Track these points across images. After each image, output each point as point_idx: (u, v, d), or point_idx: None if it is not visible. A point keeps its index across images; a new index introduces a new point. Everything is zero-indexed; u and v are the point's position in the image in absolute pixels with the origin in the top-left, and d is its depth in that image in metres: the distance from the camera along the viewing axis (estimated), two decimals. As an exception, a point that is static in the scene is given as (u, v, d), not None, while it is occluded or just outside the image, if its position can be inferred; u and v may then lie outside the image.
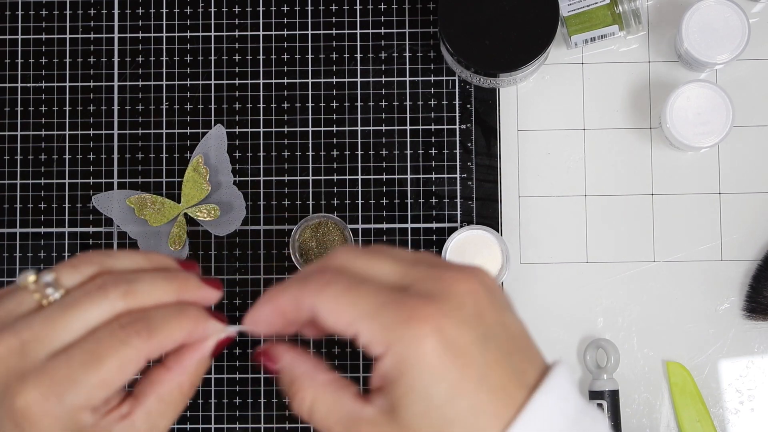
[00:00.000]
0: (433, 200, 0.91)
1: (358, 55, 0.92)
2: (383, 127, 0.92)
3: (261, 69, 0.92)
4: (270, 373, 0.54)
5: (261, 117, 0.92)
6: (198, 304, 0.55)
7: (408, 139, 0.91)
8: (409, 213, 0.91)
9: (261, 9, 0.93)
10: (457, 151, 0.91)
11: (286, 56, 0.92)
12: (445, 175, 0.91)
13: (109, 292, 0.52)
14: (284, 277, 0.90)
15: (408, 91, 0.92)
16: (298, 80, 0.92)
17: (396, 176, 0.91)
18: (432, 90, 0.92)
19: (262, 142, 0.92)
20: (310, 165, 0.92)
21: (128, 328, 0.52)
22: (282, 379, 0.53)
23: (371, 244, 0.54)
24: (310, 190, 0.91)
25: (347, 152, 0.91)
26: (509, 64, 0.86)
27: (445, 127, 0.91)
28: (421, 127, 0.91)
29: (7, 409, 0.50)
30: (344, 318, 0.50)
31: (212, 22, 0.93)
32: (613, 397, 0.87)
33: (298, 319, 0.52)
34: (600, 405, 0.87)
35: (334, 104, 0.92)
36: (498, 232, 0.89)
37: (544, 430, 0.50)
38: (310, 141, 0.92)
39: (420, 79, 0.92)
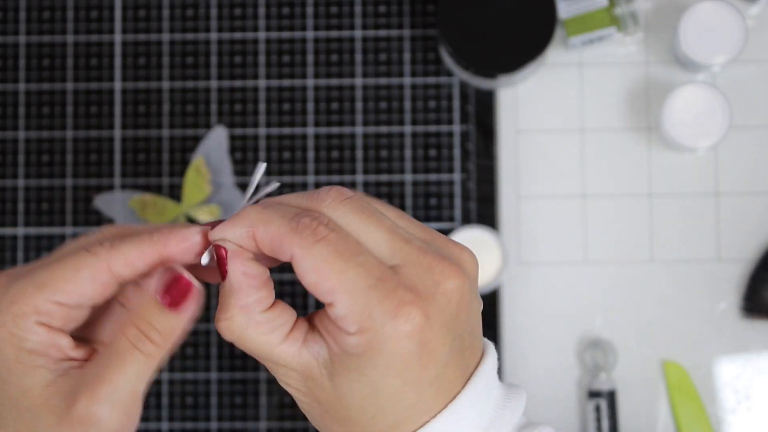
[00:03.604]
0: (433, 201, 0.91)
1: (358, 57, 0.93)
2: (383, 128, 0.92)
3: (262, 70, 0.93)
4: (222, 270, 0.50)
5: (262, 118, 0.92)
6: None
7: (407, 140, 0.92)
8: (409, 213, 0.91)
9: (262, 11, 0.93)
10: (457, 151, 0.91)
11: (286, 58, 0.93)
12: (445, 176, 0.91)
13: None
14: (284, 276, 0.90)
15: (407, 92, 0.92)
16: (297, 81, 0.93)
17: (396, 177, 0.92)
18: (431, 91, 0.92)
19: (262, 143, 0.92)
20: (311, 166, 0.92)
21: (92, 241, 0.50)
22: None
23: (365, 195, 0.52)
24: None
25: (347, 153, 0.92)
26: (508, 65, 0.86)
27: (444, 128, 0.92)
28: (420, 128, 0.92)
29: None
30: (327, 284, 0.48)
31: (213, 23, 0.93)
32: (611, 396, 0.87)
33: (270, 253, 0.49)
34: (598, 405, 0.87)
35: (334, 105, 0.92)
36: (497, 232, 0.90)
37: (461, 424, 0.50)
38: (311, 142, 0.92)
39: (419, 80, 0.92)
